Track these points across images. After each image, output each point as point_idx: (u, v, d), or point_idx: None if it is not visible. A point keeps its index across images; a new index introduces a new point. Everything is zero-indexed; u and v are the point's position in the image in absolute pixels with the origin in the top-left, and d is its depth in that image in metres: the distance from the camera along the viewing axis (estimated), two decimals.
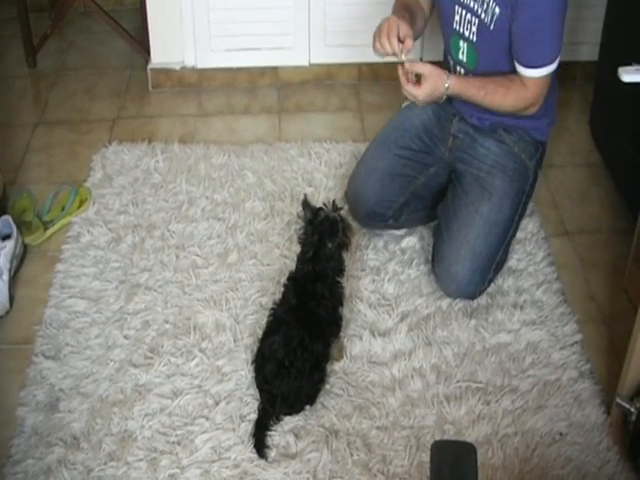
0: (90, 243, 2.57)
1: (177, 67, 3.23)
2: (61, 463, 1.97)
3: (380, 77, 3.30)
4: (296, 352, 2.06)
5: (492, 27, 2.20)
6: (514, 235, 2.47)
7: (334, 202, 2.21)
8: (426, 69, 2.18)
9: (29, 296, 2.44)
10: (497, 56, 2.26)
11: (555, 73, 2.28)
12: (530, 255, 2.56)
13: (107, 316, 2.35)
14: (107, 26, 3.39)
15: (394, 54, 2.19)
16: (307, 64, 3.24)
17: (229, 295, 2.40)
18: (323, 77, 3.28)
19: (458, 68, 2.38)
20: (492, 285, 2.44)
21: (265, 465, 1.98)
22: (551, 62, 2.19)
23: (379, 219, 2.56)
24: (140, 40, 3.34)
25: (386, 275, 2.47)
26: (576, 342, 2.31)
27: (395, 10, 2.36)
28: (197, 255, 2.53)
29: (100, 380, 2.18)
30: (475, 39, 2.27)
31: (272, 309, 2.18)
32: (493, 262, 2.40)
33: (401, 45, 2.18)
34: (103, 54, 3.49)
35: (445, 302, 2.40)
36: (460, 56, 2.34)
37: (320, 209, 2.18)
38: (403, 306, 2.38)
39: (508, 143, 2.43)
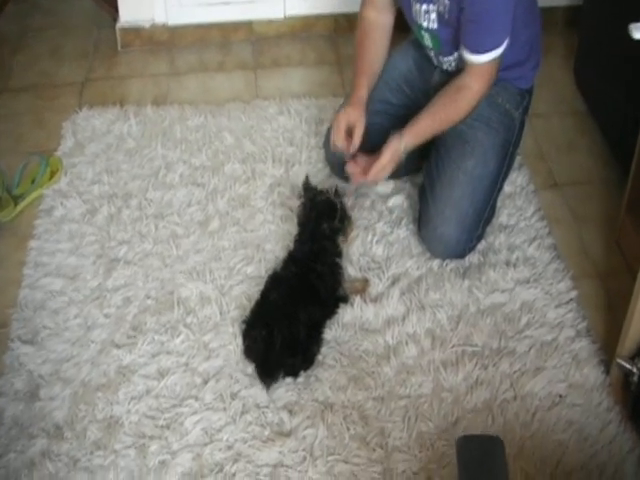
0: (64, 217, 2.46)
1: (147, 25, 3.09)
2: (45, 455, 1.88)
3: (355, 27, 3.15)
4: (298, 304, 2.04)
5: (447, 16, 2.15)
6: (501, 188, 2.39)
7: (337, 188, 2.19)
8: (380, 174, 2.22)
9: (1, 277, 2.33)
10: (458, 39, 2.18)
11: (536, 14, 2.24)
12: (520, 210, 2.48)
13: (85, 294, 2.25)
14: None
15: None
16: (282, 17, 3.10)
17: (212, 265, 2.31)
18: (299, 30, 3.15)
19: (427, 50, 2.35)
20: (483, 242, 2.37)
21: (259, 445, 1.91)
22: (498, 46, 2.10)
23: None
24: None
25: (374, 236, 2.39)
26: (571, 299, 2.25)
27: (354, 76, 2.36)
28: (177, 224, 2.43)
29: (81, 363, 2.09)
30: (435, 27, 2.21)
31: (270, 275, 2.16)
32: (481, 219, 2.33)
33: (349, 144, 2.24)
34: (68, 13, 3.34)
35: (436, 263, 2.32)
36: (426, 42, 2.31)
37: (321, 192, 2.15)
38: (393, 269, 2.30)
39: (492, 93, 2.31)
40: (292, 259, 2.16)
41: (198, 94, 2.92)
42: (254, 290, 2.20)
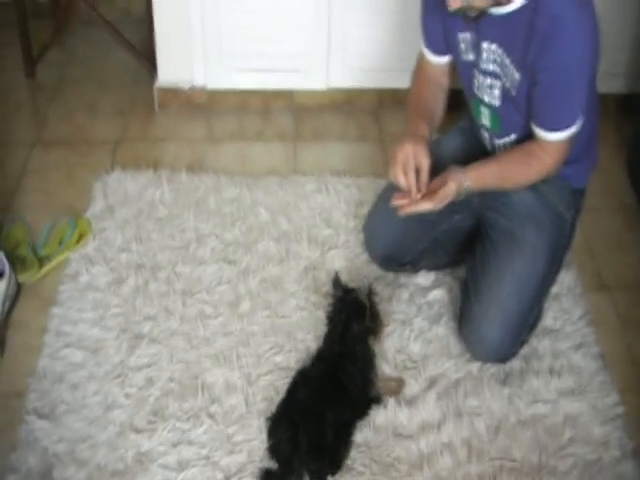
0: (89, 284, 2.37)
1: (186, 86, 3.02)
2: None
3: (402, 103, 3.02)
4: (326, 404, 1.94)
5: (514, 93, 2.03)
6: (549, 292, 2.29)
7: (370, 287, 2.09)
8: (439, 204, 2.07)
9: (22, 342, 2.23)
10: (522, 120, 2.08)
11: (596, 109, 2.13)
12: (567, 313, 2.37)
13: (107, 370, 2.15)
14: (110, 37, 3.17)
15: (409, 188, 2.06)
16: (325, 88, 3.03)
17: (240, 351, 2.21)
18: (341, 102, 3.08)
19: (482, 132, 2.23)
20: (526, 347, 2.26)
21: None
22: (573, 124, 1.99)
23: (396, 263, 2.40)
24: (146, 54, 3.12)
25: (412, 332, 2.28)
26: (618, 415, 2.13)
27: (410, 121, 2.20)
28: (205, 303, 2.33)
29: (98, 445, 1.99)
30: (498, 104, 2.10)
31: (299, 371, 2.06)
32: (526, 323, 2.22)
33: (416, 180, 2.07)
34: (106, 67, 3.29)
35: (476, 366, 2.21)
36: (483, 120, 2.19)
37: (351, 290, 2.06)
38: (431, 369, 2.19)
39: (543, 192, 2.23)
40: (321, 358, 2.07)
41: (234, 163, 2.84)
42: (282, 382, 2.09)
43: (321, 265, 2.45)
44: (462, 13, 1.89)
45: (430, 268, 2.45)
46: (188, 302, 2.32)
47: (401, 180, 2.06)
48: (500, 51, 2.00)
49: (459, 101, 2.28)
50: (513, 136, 2.14)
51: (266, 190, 2.69)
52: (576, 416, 2.11)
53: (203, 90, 3.04)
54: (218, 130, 2.98)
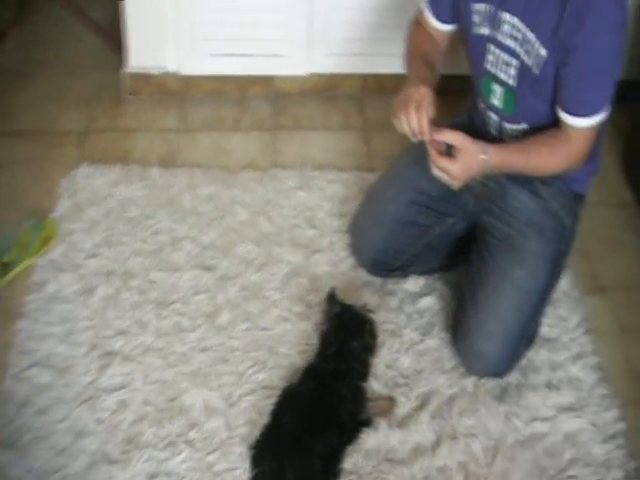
0: (57, 294, 2.21)
1: (157, 72, 2.83)
2: None
3: (386, 89, 2.91)
4: (314, 431, 1.80)
5: (537, 71, 1.85)
6: (548, 302, 2.16)
7: (365, 305, 1.97)
8: (458, 138, 1.81)
9: None
10: (539, 104, 1.91)
11: None
12: (563, 320, 2.24)
13: (76, 392, 2.00)
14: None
15: (420, 134, 1.83)
16: (306, 73, 2.86)
17: (220, 369, 2.06)
18: (323, 88, 2.91)
19: (490, 113, 2.04)
20: (523, 359, 2.13)
21: None
22: (602, 110, 1.84)
23: (385, 268, 2.25)
24: (115, 37, 2.92)
25: (402, 345, 2.15)
26: (619, 432, 2.02)
27: (412, 66, 2.00)
28: (181, 314, 2.18)
29: (68, 478, 1.84)
30: (515, 84, 1.92)
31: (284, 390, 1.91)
32: (525, 335, 2.09)
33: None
34: (74, 50, 3.08)
35: (470, 381, 2.08)
36: (493, 100, 2.00)
37: (349, 306, 1.93)
38: (423, 385, 2.07)
39: (545, 197, 2.09)
40: (312, 375, 1.92)
41: (210, 156, 2.67)
42: (266, 402, 1.96)
43: (305, 270, 2.31)
44: None
45: (420, 273, 2.31)
46: (163, 314, 2.17)
47: (414, 124, 1.80)
48: (522, 26, 1.82)
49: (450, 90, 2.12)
50: (524, 125, 1.98)
51: (244, 187, 2.53)
52: (576, 434, 2.00)
53: (176, 76, 2.85)
54: (192, 119, 2.81)
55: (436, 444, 1.95)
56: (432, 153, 1.83)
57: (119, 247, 2.33)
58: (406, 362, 2.11)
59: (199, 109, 2.83)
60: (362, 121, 2.85)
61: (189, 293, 2.23)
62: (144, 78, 2.84)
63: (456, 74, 2.27)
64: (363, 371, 1.93)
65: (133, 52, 2.81)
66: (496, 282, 2.03)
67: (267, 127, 2.79)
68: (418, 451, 1.94)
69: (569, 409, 2.04)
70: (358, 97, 2.93)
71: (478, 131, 1.98)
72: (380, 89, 2.92)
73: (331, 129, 2.82)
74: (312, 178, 2.57)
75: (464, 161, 1.81)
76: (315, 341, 2.03)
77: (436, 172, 1.86)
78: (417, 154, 2.11)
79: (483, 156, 1.82)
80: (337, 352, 1.89)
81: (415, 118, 1.81)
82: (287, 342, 2.12)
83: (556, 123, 1.88)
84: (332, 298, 1.95)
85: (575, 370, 2.13)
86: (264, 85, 2.88)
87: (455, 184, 1.85)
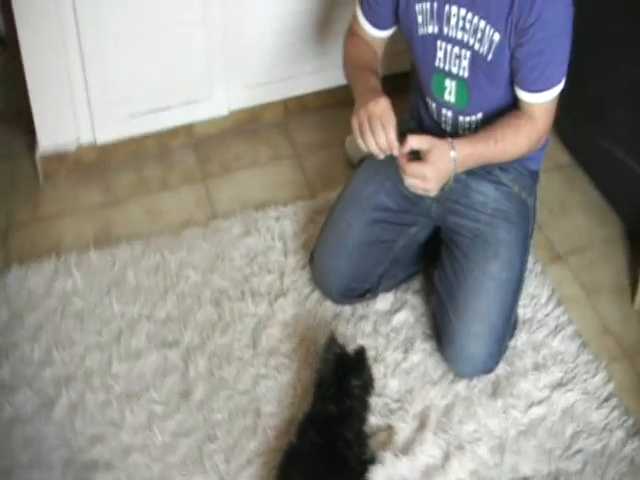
0: (14, 417, 2.01)
1: (72, 147, 2.63)
2: None
3: (309, 109, 2.81)
4: None
5: (490, 57, 1.81)
6: (523, 285, 2.10)
7: (360, 347, 1.87)
8: (424, 140, 1.75)
9: None
10: (492, 90, 1.88)
11: None
12: (534, 298, 2.21)
13: None
14: None
15: (389, 149, 1.76)
16: (226, 112, 2.70)
17: (209, 448, 1.91)
18: (245, 123, 2.75)
19: (444, 110, 1.97)
20: None
21: None
22: (562, 79, 1.83)
23: (355, 294, 2.15)
24: (19, 119, 2.69)
25: (387, 368, 2.05)
26: (610, 394, 2.01)
27: (359, 78, 1.92)
28: (154, 402, 2.01)
29: None
30: (467, 74, 1.86)
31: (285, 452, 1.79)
32: (509, 326, 2.03)
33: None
34: None
35: (462, 385, 2.02)
36: (446, 96, 1.93)
37: (343, 348, 1.85)
38: (417, 404, 1.98)
39: (506, 183, 2.02)
40: (312, 424, 1.80)
41: (145, 223, 2.49)
42: (266, 470, 1.83)
43: (272, 320, 2.16)
44: None
45: (388, 289, 2.21)
46: (135, 407, 2.00)
47: (383, 142, 1.73)
48: (470, 15, 1.79)
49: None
50: (480, 114, 1.92)
51: (189, 247, 2.36)
52: (572, 407, 1.99)
53: (92, 146, 2.66)
54: (117, 189, 2.62)
55: (445, 460, 1.87)
56: (402, 162, 1.76)
57: (71, 348, 2.14)
58: (395, 385, 2.01)
59: (122, 176, 2.65)
60: (291, 148, 2.71)
61: (157, 377, 2.06)
62: (58, 157, 2.64)
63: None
64: (363, 412, 1.83)
65: (42, 131, 2.59)
66: (474, 281, 1.96)
67: (196, 178, 2.63)
68: (429, 473, 1.86)
69: (560, 385, 2.03)
70: (282, 124, 2.79)
71: (431, 132, 1.89)
72: (303, 110, 2.79)
73: (262, 164, 2.66)
74: (256, 220, 2.41)
75: (434, 160, 1.75)
76: (299, 391, 1.96)
77: (409, 182, 1.78)
78: (368, 172, 2.09)
79: (452, 153, 1.77)
80: (337, 393, 1.79)
81: (383, 136, 1.74)
82: (272, 400, 1.99)
83: (509, 105, 1.88)
84: (333, 342, 1.85)
85: (556, 344, 2.11)
86: (184, 134, 2.71)
87: (431, 191, 1.78)
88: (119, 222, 2.50)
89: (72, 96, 2.51)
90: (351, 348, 1.87)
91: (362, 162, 2.19)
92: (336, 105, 2.75)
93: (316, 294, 2.20)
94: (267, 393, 2.00)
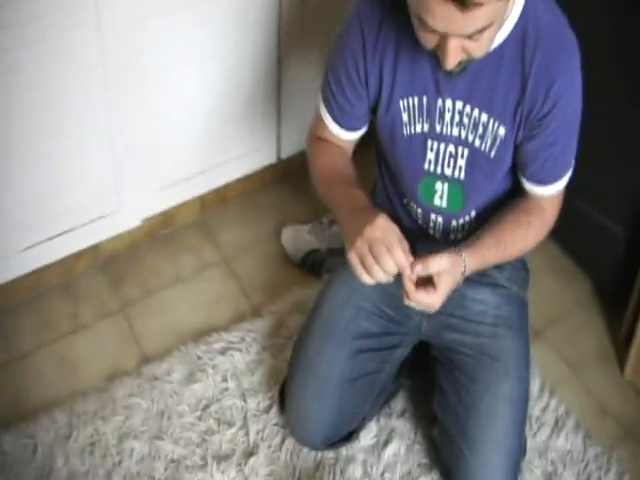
0: None
1: None
2: None
3: (228, 199, 2.45)
4: None
5: (493, 154, 1.57)
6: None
7: None
8: (443, 262, 1.47)
9: None
10: (489, 186, 1.62)
11: None
12: None
13: None
14: None
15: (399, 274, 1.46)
16: (139, 223, 2.28)
17: None
18: (158, 229, 2.35)
19: (433, 216, 1.68)
20: None
21: None
22: (572, 165, 1.63)
23: (340, 439, 1.83)
24: None
25: None
26: None
27: (341, 196, 1.60)
28: None
29: None
30: (463, 175, 1.61)
31: None
32: (522, 445, 1.79)
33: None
34: None
35: None
36: (436, 201, 1.66)
37: None
38: None
39: (504, 284, 1.78)
40: None
41: (62, 382, 2.05)
42: None
43: None
44: (458, 71, 1.42)
45: (371, 419, 1.91)
46: None
47: (391, 267, 1.44)
48: (469, 108, 1.54)
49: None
50: (473, 213, 1.66)
51: (123, 408, 1.95)
52: None
53: None
54: (18, 341, 2.16)
55: None
56: (407, 287, 1.47)
57: None
58: None
59: (22, 322, 2.20)
60: (216, 251, 2.34)
61: None
62: None
63: None
64: None
65: None
66: (486, 407, 1.70)
67: (112, 309, 2.21)
68: None
69: None
70: (200, 221, 2.41)
71: (413, 236, 1.59)
72: (221, 202, 2.43)
73: (186, 277, 2.28)
74: (198, 358, 2.03)
75: (445, 284, 1.49)
76: None
77: (412, 305, 1.50)
78: (341, 295, 1.78)
79: (462, 268, 1.52)
80: None
81: (390, 262, 1.43)
82: None
83: (502, 197, 1.66)
84: None
85: (562, 443, 1.92)
86: (90, 256, 2.29)
87: (433, 310, 1.53)
88: (29, 386, 2.05)
89: None
90: None
91: (328, 274, 1.90)
92: (254, 190, 2.41)
93: (290, 442, 1.87)
94: None
